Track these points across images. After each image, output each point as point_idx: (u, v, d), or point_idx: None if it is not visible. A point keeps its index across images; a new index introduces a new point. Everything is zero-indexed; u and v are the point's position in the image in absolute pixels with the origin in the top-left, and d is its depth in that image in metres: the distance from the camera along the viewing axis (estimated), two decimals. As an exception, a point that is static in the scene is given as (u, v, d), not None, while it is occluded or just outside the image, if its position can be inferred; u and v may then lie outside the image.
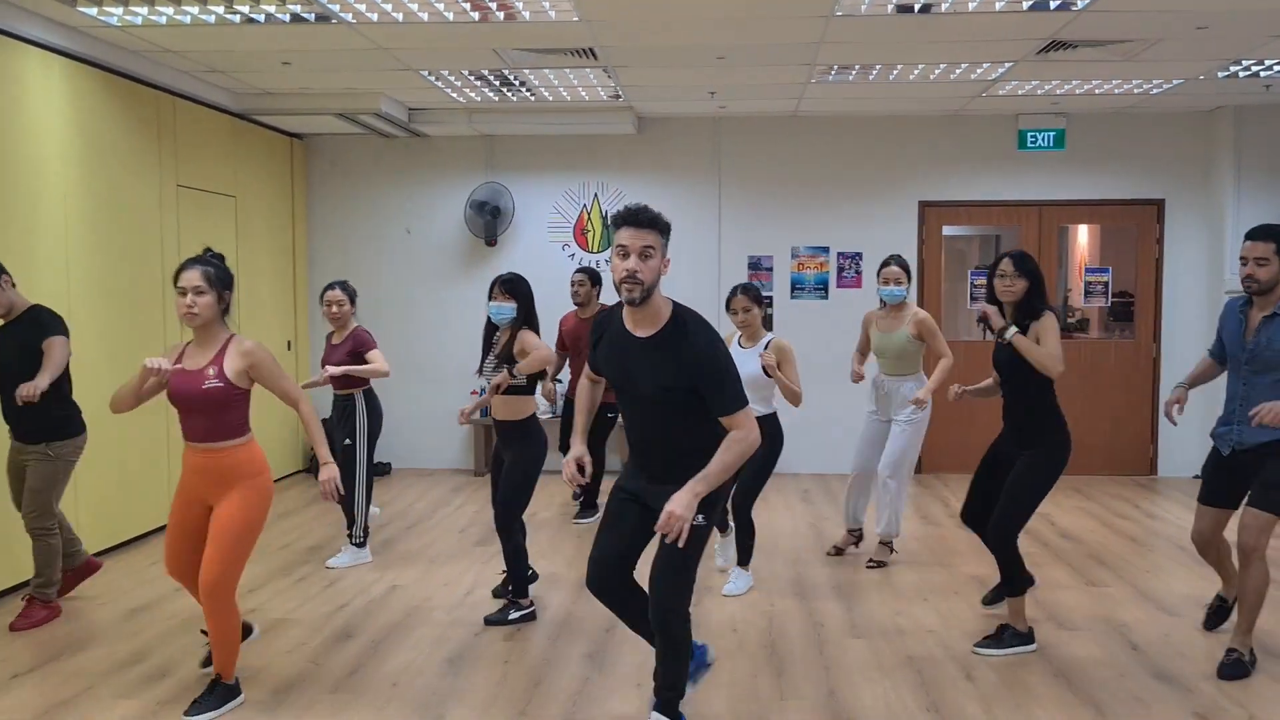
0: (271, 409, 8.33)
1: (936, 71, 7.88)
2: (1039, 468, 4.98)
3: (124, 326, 7.09)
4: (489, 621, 5.53)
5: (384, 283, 10.07)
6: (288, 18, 6.34)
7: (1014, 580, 5.07)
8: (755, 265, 10.01)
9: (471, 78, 8.13)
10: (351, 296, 6.67)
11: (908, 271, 6.58)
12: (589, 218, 10.09)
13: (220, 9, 6.16)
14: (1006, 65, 7.67)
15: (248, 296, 8.86)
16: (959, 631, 5.39)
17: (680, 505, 3.55)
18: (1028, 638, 5.11)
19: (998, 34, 6.78)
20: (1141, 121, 9.65)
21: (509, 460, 5.54)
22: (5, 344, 5.36)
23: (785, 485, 9.30)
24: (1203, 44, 7.03)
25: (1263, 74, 7.93)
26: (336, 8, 6.14)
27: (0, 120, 6.01)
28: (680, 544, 3.57)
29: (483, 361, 5.68)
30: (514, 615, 5.55)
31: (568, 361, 8.11)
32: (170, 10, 6.18)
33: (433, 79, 8.16)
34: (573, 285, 7.86)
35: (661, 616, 3.79)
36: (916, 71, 7.88)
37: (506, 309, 5.51)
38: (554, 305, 7.97)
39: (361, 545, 6.74)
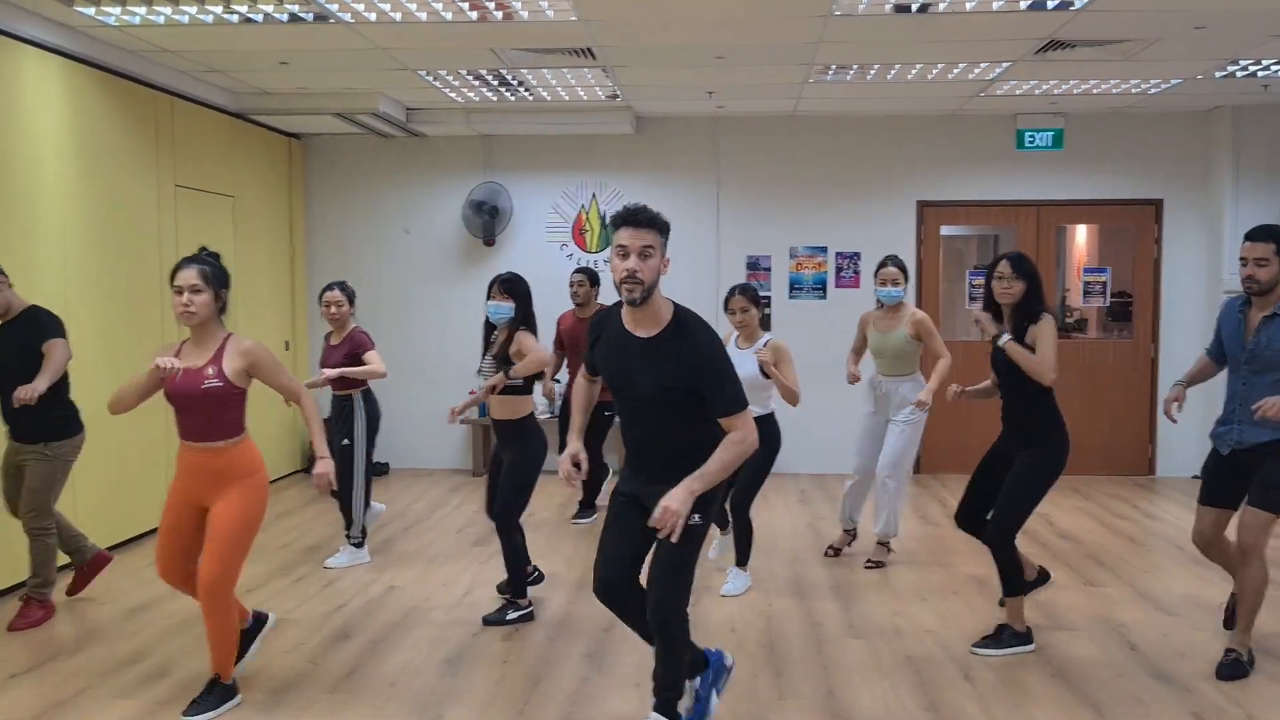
0: (270, 409, 8.35)
1: (934, 71, 7.88)
2: (1038, 468, 4.98)
3: (122, 326, 7.08)
4: (487, 621, 5.53)
5: (382, 282, 10.07)
6: (285, 17, 6.34)
7: (1013, 580, 5.07)
8: (754, 265, 10.01)
9: (470, 77, 8.12)
10: (350, 297, 6.67)
11: (905, 272, 6.58)
12: (587, 218, 10.09)
13: (218, 9, 6.16)
14: (1004, 65, 7.67)
15: (246, 296, 8.85)
16: (957, 632, 5.39)
17: (676, 501, 3.55)
18: (1026, 638, 5.11)
19: (996, 34, 6.79)
20: (1139, 121, 9.66)
21: (508, 460, 5.54)
22: (4, 345, 5.35)
23: (784, 485, 9.30)
24: (1201, 44, 7.03)
25: (1260, 74, 7.93)
26: (334, 7, 6.14)
27: (-2, 120, 6.02)
28: (674, 539, 3.56)
29: (482, 362, 5.68)
30: (512, 615, 5.55)
31: (565, 361, 8.10)
32: (168, 10, 6.17)
33: (431, 79, 8.16)
34: (571, 285, 7.86)
35: (660, 616, 3.78)
36: (914, 71, 7.89)
37: (505, 308, 5.51)
38: (552, 305, 7.96)
39: (360, 545, 6.74)
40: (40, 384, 5.18)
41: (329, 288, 6.65)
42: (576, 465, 3.96)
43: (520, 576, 5.59)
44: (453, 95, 8.79)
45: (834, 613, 5.73)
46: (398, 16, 6.32)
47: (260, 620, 4.71)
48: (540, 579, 6.04)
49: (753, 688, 4.64)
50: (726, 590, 6.03)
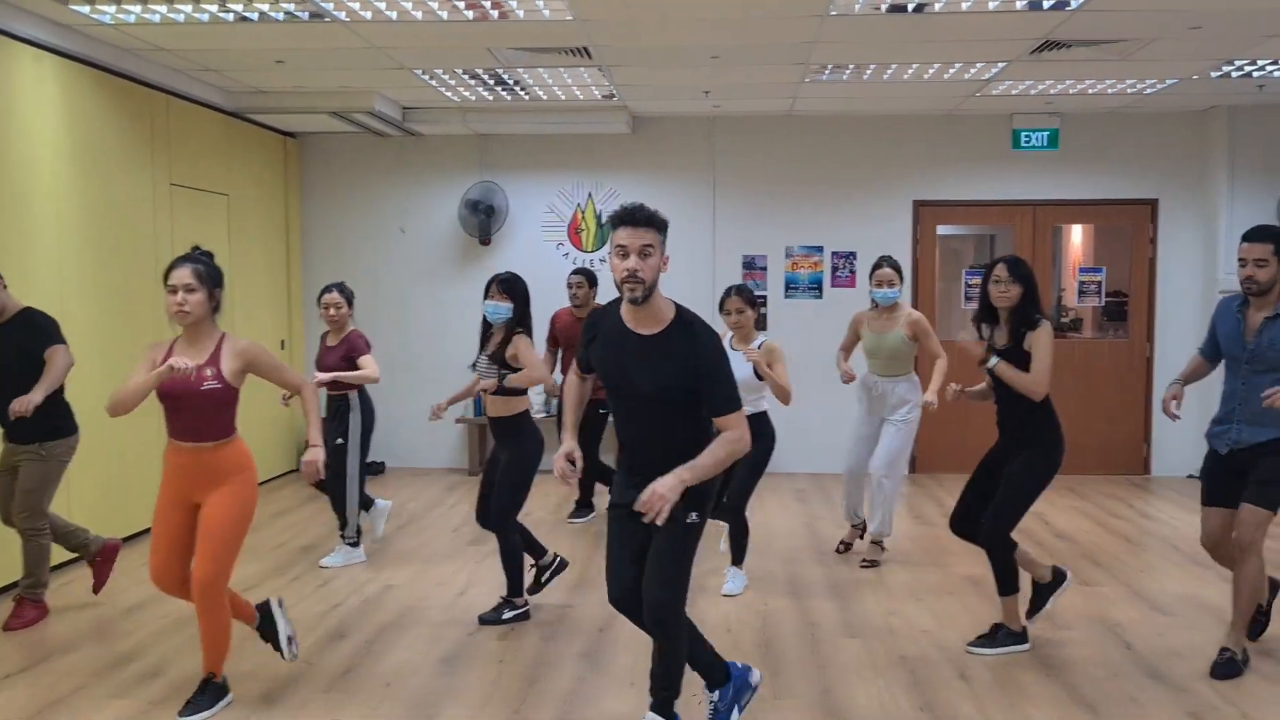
0: (265, 408, 8.35)
1: (930, 71, 7.89)
2: (1033, 469, 4.98)
3: (117, 325, 7.07)
4: (483, 621, 5.52)
5: (378, 281, 10.06)
6: (281, 16, 6.33)
7: (1008, 580, 5.07)
8: (750, 265, 10.01)
9: (466, 77, 8.12)
10: (349, 299, 6.65)
11: (900, 272, 6.58)
12: (583, 217, 10.09)
13: (214, 7, 6.15)
14: (1000, 65, 7.67)
15: (241, 295, 8.85)
16: (953, 631, 5.39)
17: (664, 486, 3.56)
18: (1021, 637, 5.12)
19: (991, 34, 6.79)
20: (1135, 121, 9.67)
21: (505, 459, 5.53)
22: (2, 347, 5.33)
23: (780, 485, 9.31)
24: (1196, 44, 7.04)
25: (1256, 74, 7.94)
26: (330, 6, 6.13)
27: (-8, 118, 6.01)
28: (659, 522, 3.56)
29: (477, 359, 5.67)
30: (508, 615, 5.55)
31: (560, 357, 8.07)
32: (163, 8, 6.16)
33: (427, 78, 8.15)
34: (570, 287, 7.81)
35: (657, 615, 3.78)
36: (910, 71, 7.89)
37: (503, 308, 5.50)
38: (548, 304, 7.95)
39: (355, 545, 6.73)
40: (36, 395, 5.18)
41: (327, 289, 6.63)
42: (572, 463, 3.95)
43: (518, 576, 5.58)
44: (449, 94, 8.78)
45: (830, 612, 5.74)
46: (393, 15, 6.31)
47: (266, 613, 4.64)
48: (564, 565, 5.90)
49: (748, 687, 4.64)
50: (727, 590, 6.03)
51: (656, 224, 3.68)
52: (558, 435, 7.68)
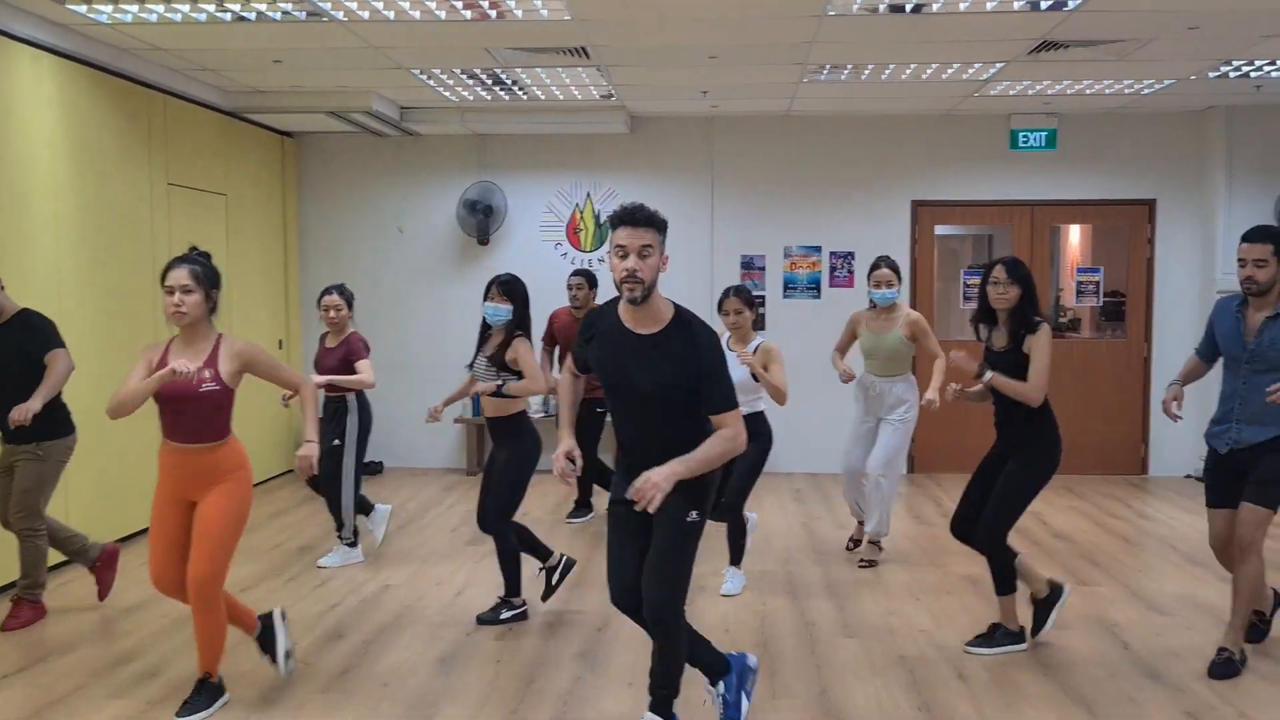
0: (262, 409, 8.34)
1: (928, 71, 7.89)
2: (1031, 470, 4.98)
3: (114, 325, 7.07)
4: (481, 621, 5.52)
5: (376, 281, 10.05)
6: (278, 16, 6.32)
7: (1006, 580, 5.07)
8: (748, 265, 10.01)
9: (464, 76, 8.11)
10: (349, 301, 6.64)
11: (898, 273, 6.58)
12: (581, 217, 10.09)
13: (211, 7, 6.14)
14: (998, 65, 7.68)
15: (239, 295, 8.84)
16: (951, 631, 5.39)
17: (658, 475, 3.57)
18: (1019, 637, 5.12)
19: (989, 34, 6.79)
20: (1133, 121, 9.67)
21: (502, 459, 5.53)
22: (2, 348, 5.32)
23: (778, 484, 9.31)
24: (1194, 44, 7.04)
25: (1253, 74, 7.94)
26: (328, 6, 6.12)
27: (-10, 118, 6.00)
28: (650, 509, 3.57)
29: (474, 359, 5.67)
30: (506, 614, 5.55)
31: (557, 355, 8.07)
32: (160, 8, 6.16)
33: (425, 78, 8.15)
34: (570, 289, 7.78)
35: (657, 615, 3.79)
36: (908, 71, 7.89)
37: (503, 310, 5.49)
38: (546, 304, 7.94)
39: (353, 545, 6.72)
40: (35, 404, 5.18)
41: (327, 291, 6.62)
42: (572, 461, 3.95)
43: (515, 576, 5.58)
44: (447, 94, 8.78)
45: (827, 612, 5.74)
46: (391, 15, 6.31)
47: (268, 623, 4.61)
48: (571, 564, 5.82)
49: (746, 687, 4.64)
50: (725, 590, 6.03)
51: (656, 224, 3.70)
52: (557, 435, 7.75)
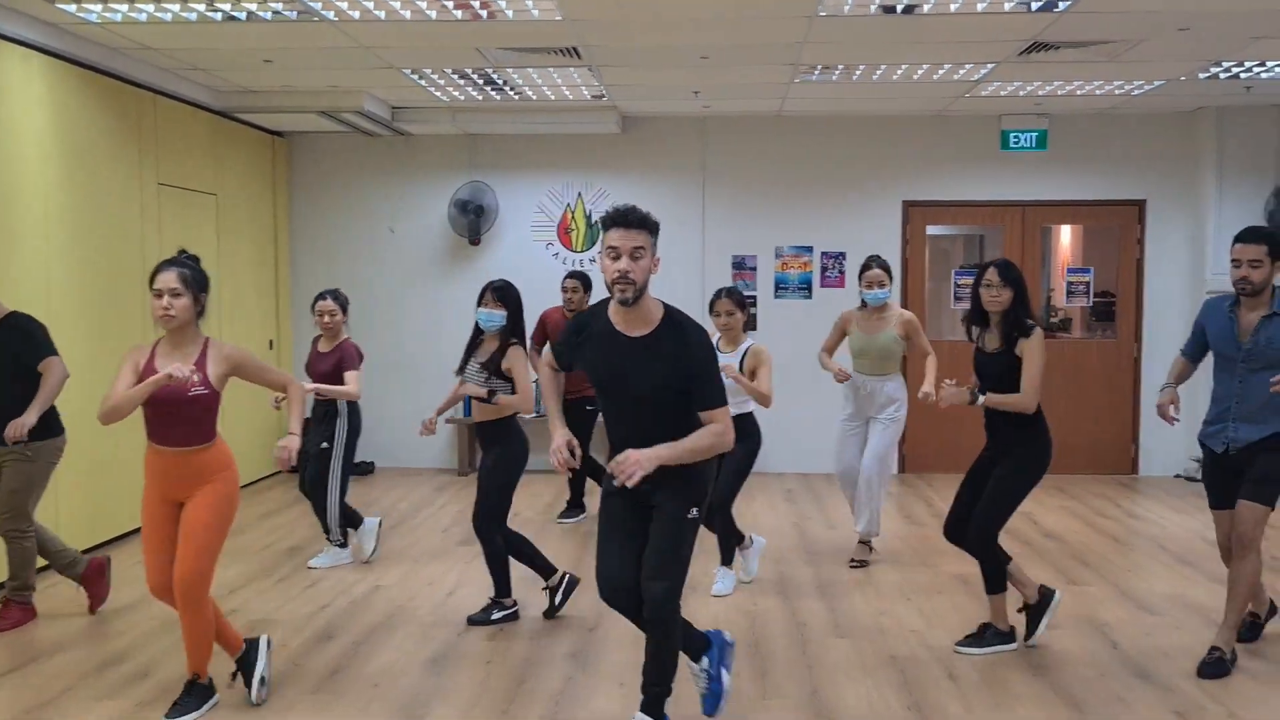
0: (251, 411, 8.32)
1: (920, 72, 7.90)
2: (1021, 471, 4.99)
3: (104, 326, 7.04)
4: (472, 621, 5.52)
5: (367, 281, 10.01)
6: (269, 15, 6.31)
7: (996, 579, 5.08)
8: (739, 265, 10.01)
9: (455, 76, 8.10)
10: (343, 306, 6.60)
11: (889, 273, 6.59)
12: (573, 217, 10.08)
13: (201, 7, 6.13)
14: (989, 66, 7.69)
15: (230, 295, 8.82)
16: (942, 630, 5.40)
17: (641, 454, 3.61)
18: (1009, 637, 5.13)
19: (980, 35, 6.80)
20: (1123, 122, 9.70)
21: (490, 462, 5.52)
22: None
23: (769, 485, 9.31)
24: (1184, 45, 7.06)
25: (1244, 75, 7.97)
26: (318, 5, 6.11)
27: (-22, 117, 5.98)
28: (630, 484, 3.60)
29: (464, 364, 5.65)
30: (497, 615, 5.54)
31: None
32: (150, 7, 6.14)
33: (416, 78, 8.13)
34: (565, 291, 7.75)
35: (657, 611, 3.82)
36: (900, 72, 7.90)
37: (497, 316, 5.49)
38: (537, 304, 7.90)
39: (343, 546, 6.71)
40: (30, 418, 5.19)
41: (321, 296, 6.58)
42: (571, 451, 3.93)
43: (505, 577, 5.58)
44: (438, 94, 8.77)
45: (818, 612, 5.74)
46: (382, 15, 6.30)
47: (254, 646, 4.53)
48: (575, 582, 5.74)
49: (736, 687, 4.62)
50: (717, 590, 6.03)
51: (648, 226, 3.73)
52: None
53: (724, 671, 4.14)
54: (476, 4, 6.11)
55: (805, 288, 9.99)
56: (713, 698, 4.10)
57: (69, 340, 6.46)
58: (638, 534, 3.88)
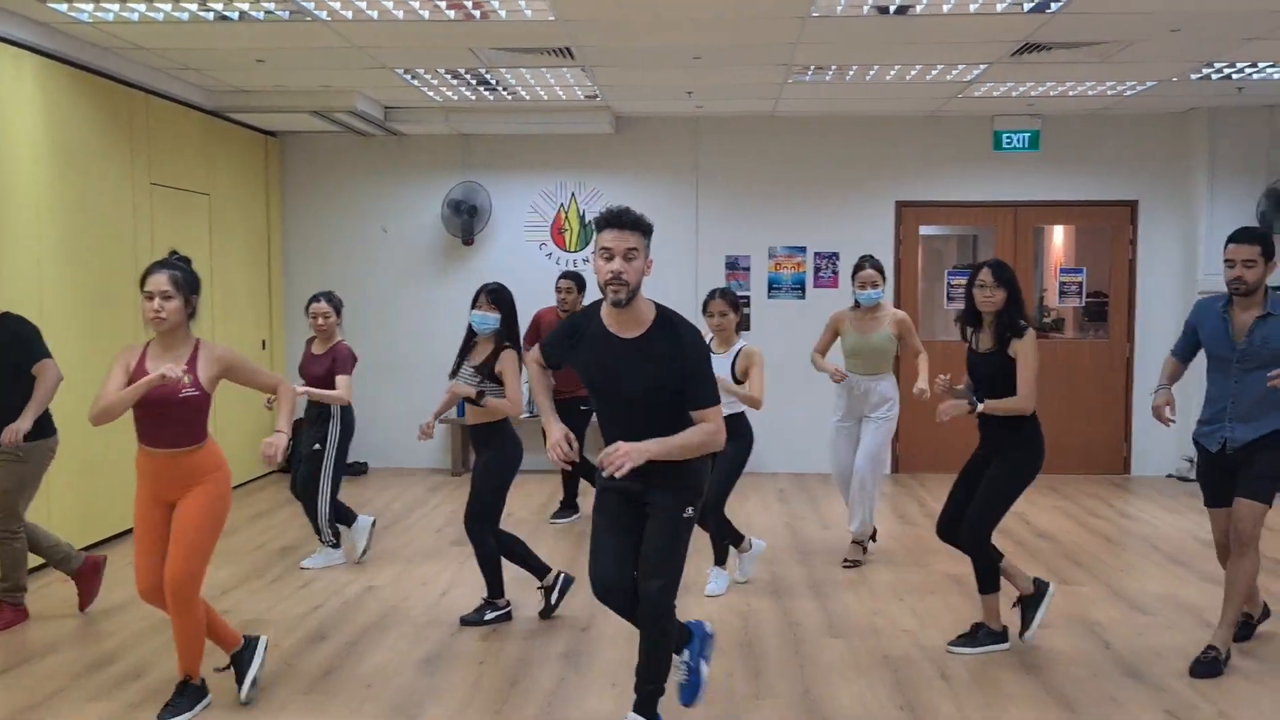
0: (243, 411, 8.31)
1: (912, 73, 7.91)
2: (1014, 471, 5.00)
3: (96, 326, 7.02)
4: (465, 622, 5.51)
5: (360, 281, 10.01)
6: (261, 15, 6.30)
7: (989, 579, 5.09)
8: (733, 265, 10.02)
9: (448, 76, 8.10)
10: (337, 308, 6.58)
11: (882, 273, 6.60)
12: (566, 217, 10.08)
13: (193, 6, 6.12)
14: (982, 67, 7.70)
15: (222, 295, 8.81)
16: (935, 630, 5.41)
17: (632, 447, 3.63)
18: (1001, 636, 5.14)
19: (973, 35, 6.81)
20: (1115, 123, 9.72)
21: (483, 464, 5.52)
22: None
23: (762, 485, 9.32)
24: (1176, 46, 7.08)
25: (1235, 76, 7.99)
26: (311, 5, 6.10)
27: (-30, 117, 5.96)
28: (619, 475, 3.62)
29: (456, 367, 5.64)
30: (490, 615, 5.54)
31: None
32: (142, 7, 6.13)
33: (409, 78, 8.13)
34: (559, 292, 7.73)
35: (654, 608, 3.84)
36: (892, 73, 7.91)
37: (491, 319, 5.48)
38: (531, 303, 7.89)
39: (335, 546, 6.70)
40: (25, 423, 5.19)
41: (316, 298, 6.56)
42: (569, 444, 3.93)
43: (497, 577, 5.57)
44: (431, 94, 8.76)
45: (811, 612, 5.75)
46: (375, 15, 6.29)
47: (251, 644, 4.56)
48: (570, 581, 5.74)
49: (729, 687, 4.65)
50: (710, 590, 6.04)
51: (642, 228, 3.75)
52: (542, 434, 7.72)
53: (703, 663, 4.16)
54: (469, 4, 6.11)
55: (799, 288, 10.00)
56: (690, 689, 4.13)
57: (61, 340, 6.44)
58: (632, 531, 3.90)
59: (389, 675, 4.80)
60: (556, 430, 3.94)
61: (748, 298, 9.90)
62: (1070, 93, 8.67)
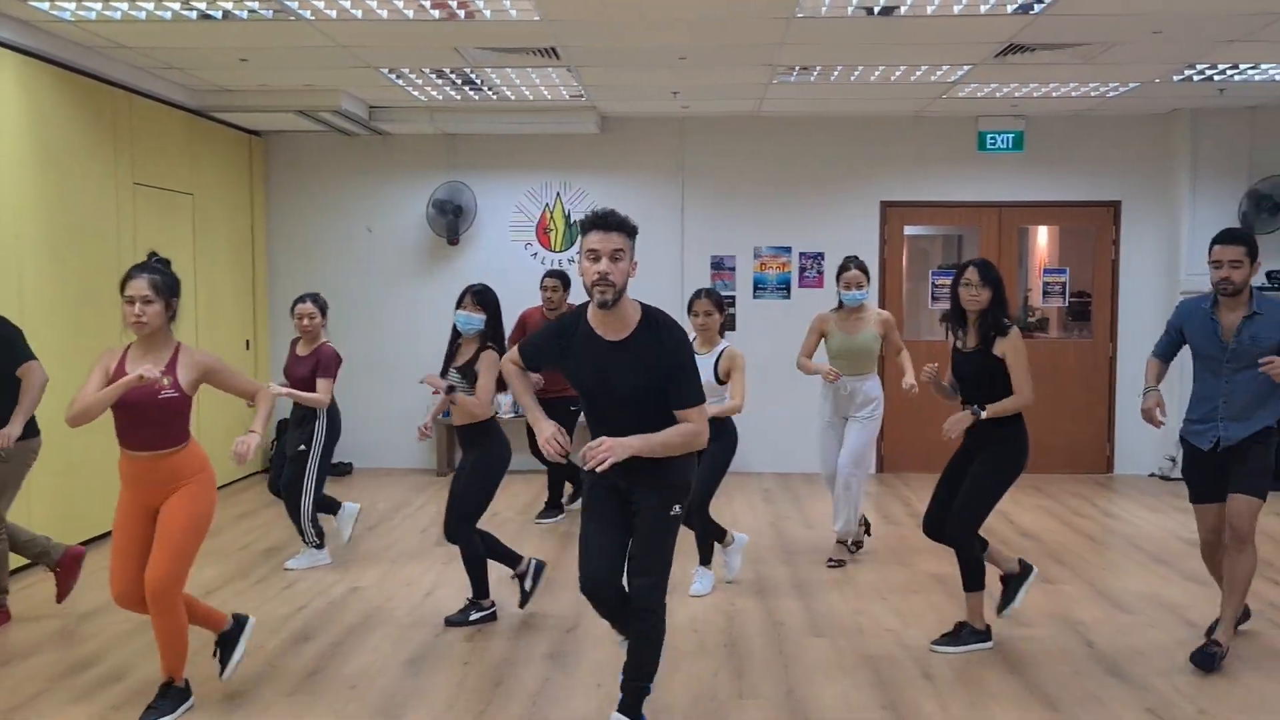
0: (226, 413, 8.27)
1: (897, 73, 7.93)
2: (999, 468, 5.03)
3: (78, 326, 6.99)
4: (449, 622, 5.50)
5: (345, 281, 9.98)
6: (245, 14, 6.28)
7: (975, 576, 5.11)
8: (718, 265, 10.03)
9: (433, 76, 8.08)
10: (323, 309, 6.57)
11: (867, 273, 6.61)
12: (551, 217, 10.07)
13: (176, 5, 6.09)
14: (966, 68, 7.73)
15: (206, 295, 8.77)
16: (918, 629, 5.43)
17: (615, 442, 3.67)
18: (985, 635, 5.16)
19: (957, 37, 6.84)
20: (1099, 124, 9.76)
21: (470, 463, 5.51)
22: None
23: (747, 484, 9.33)
24: (1158, 48, 7.12)
25: (1217, 78, 8.04)
26: (295, 4, 6.08)
27: (-50, 116, 5.92)
28: (600, 470, 3.65)
29: (444, 370, 5.63)
30: (475, 616, 5.53)
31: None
32: (125, 5, 6.10)
33: (394, 77, 8.11)
34: (544, 290, 7.72)
35: (644, 603, 3.87)
36: (877, 73, 7.93)
37: (476, 320, 5.48)
38: (516, 303, 7.90)
39: (320, 546, 6.68)
40: (14, 428, 5.18)
41: (301, 299, 6.54)
42: (558, 439, 3.92)
43: (483, 578, 5.57)
44: (416, 94, 8.75)
45: (795, 611, 5.76)
46: (359, 14, 6.27)
47: (240, 623, 4.60)
48: (543, 566, 5.79)
49: (713, 687, 4.65)
50: (695, 590, 6.04)
51: (627, 229, 3.78)
52: (527, 434, 7.73)
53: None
54: (454, 4, 6.10)
55: (784, 288, 10.02)
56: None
57: (43, 341, 6.39)
58: (621, 527, 3.93)
59: (373, 676, 4.79)
60: (547, 427, 3.93)
61: (733, 298, 9.91)
62: (1054, 94, 8.71)
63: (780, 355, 8.89)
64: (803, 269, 9.99)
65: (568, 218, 10.03)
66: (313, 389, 6.37)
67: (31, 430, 5.47)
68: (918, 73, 7.91)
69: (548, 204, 10.06)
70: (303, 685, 4.67)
